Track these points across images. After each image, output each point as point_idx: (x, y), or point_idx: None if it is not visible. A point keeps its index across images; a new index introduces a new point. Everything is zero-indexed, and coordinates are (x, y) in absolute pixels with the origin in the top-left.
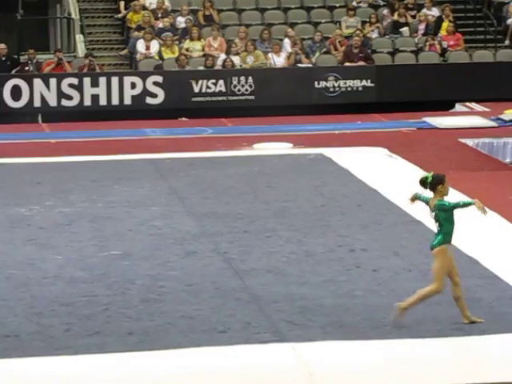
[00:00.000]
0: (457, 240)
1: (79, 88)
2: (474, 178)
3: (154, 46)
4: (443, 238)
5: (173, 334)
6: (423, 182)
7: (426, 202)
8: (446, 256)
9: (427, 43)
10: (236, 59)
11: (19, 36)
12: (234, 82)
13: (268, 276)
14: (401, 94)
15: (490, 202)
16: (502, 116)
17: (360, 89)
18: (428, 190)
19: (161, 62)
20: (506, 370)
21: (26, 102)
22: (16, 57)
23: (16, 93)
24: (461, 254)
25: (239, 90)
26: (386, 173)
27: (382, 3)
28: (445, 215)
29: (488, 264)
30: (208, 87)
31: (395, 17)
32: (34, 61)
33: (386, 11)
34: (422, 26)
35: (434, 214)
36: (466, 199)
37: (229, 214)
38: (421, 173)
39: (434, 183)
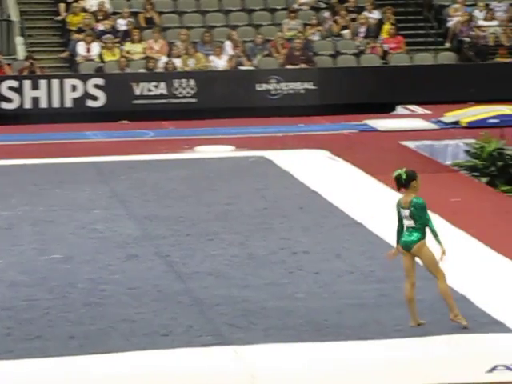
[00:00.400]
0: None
1: (19, 91)
2: None
3: (95, 48)
4: (421, 234)
5: (114, 338)
6: (398, 179)
7: (398, 206)
8: (428, 248)
9: (368, 46)
10: (177, 62)
11: None
12: (176, 85)
13: (210, 279)
14: (342, 97)
15: (431, 205)
16: (442, 118)
17: (302, 91)
18: (401, 186)
19: (102, 64)
20: (448, 371)
21: None
22: None
23: None
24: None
25: (181, 93)
26: (328, 175)
27: (323, 6)
28: (420, 212)
29: None
30: (149, 90)
31: (337, 19)
32: None
33: (327, 14)
34: (363, 29)
35: (407, 211)
36: (439, 237)
37: (171, 217)
38: (362, 175)
39: (408, 179)
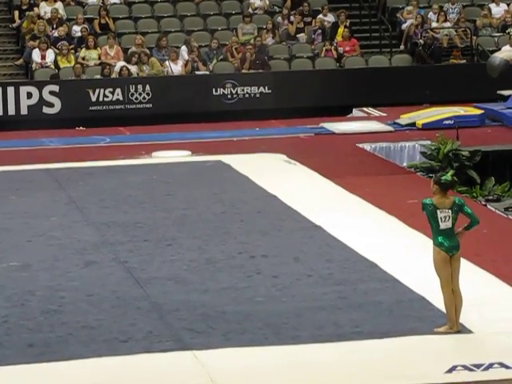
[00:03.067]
0: (356, 243)
1: None
2: (372, 182)
3: (50, 55)
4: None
5: (74, 345)
6: (446, 184)
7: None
8: None
9: (323, 49)
10: (133, 68)
11: None
12: (132, 91)
13: (169, 284)
14: (298, 100)
15: (388, 206)
16: (398, 120)
17: (257, 95)
18: (448, 189)
19: (57, 71)
20: (406, 372)
21: None
22: None
23: None
24: (360, 257)
25: (137, 99)
26: (285, 179)
27: (277, 10)
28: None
29: (387, 267)
30: (105, 96)
31: (292, 23)
32: None
33: (281, 18)
34: (318, 32)
35: (450, 212)
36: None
37: (128, 222)
38: (319, 178)
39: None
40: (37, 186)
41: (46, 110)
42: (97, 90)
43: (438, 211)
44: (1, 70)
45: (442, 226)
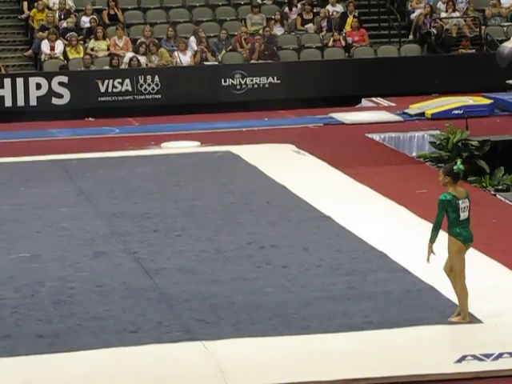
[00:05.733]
0: (365, 234)
1: None
2: (381, 172)
3: (59, 46)
4: None
5: (84, 336)
6: (459, 173)
7: (450, 199)
8: None
9: (332, 39)
10: (142, 58)
11: None
12: (141, 81)
13: (178, 275)
14: (307, 91)
15: (397, 196)
16: (407, 110)
17: (266, 86)
18: (459, 179)
19: (66, 62)
20: (416, 362)
21: None
22: None
23: None
24: (369, 247)
25: (146, 89)
26: (294, 169)
27: (286, 0)
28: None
29: (396, 258)
30: (114, 87)
31: (300, 14)
32: None
33: (290, 8)
34: (326, 23)
35: (467, 201)
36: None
37: (138, 213)
38: (328, 168)
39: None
40: (46, 177)
41: (55, 101)
42: (106, 81)
43: (460, 201)
44: (10, 61)
45: (462, 216)
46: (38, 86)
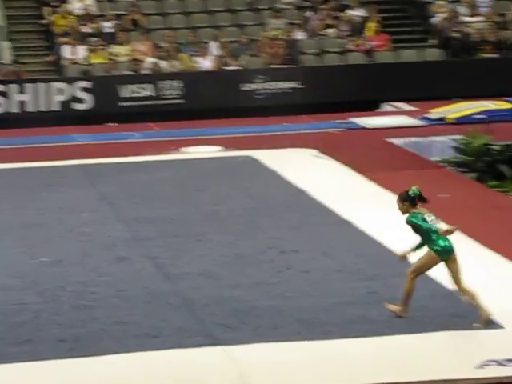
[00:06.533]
0: (386, 239)
1: (6, 95)
2: (401, 177)
3: (81, 51)
4: None
5: (105, 340)
6: (415, 196)
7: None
8: None
9: (353, 44)
10: (163, 63)
11: None
12: (162, 86)
13: (199, 279)
14: (328, 95)
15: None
16: (428, 115)
17: (287, 90)
18: (416, 202)
19: (88, 67)
20: (438, 367)
21: None
22: None
23: None
24: (390, 252)
25: (167, 94)
26: (315, 173)
27: (307, 5)
28: None
29: None
30: (136, 92)
31: (321, 18)
32: None
33: (311, 12)
34: (348, 27)
35: (432, 215)
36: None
37: (159, 218)
38: (349, 173)
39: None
40: (68, 181)
41: (76, 106)
42: (127, 86)
43: (426, 216)
44: (32, 66)
45: (438, 227)
46: (60, 91)
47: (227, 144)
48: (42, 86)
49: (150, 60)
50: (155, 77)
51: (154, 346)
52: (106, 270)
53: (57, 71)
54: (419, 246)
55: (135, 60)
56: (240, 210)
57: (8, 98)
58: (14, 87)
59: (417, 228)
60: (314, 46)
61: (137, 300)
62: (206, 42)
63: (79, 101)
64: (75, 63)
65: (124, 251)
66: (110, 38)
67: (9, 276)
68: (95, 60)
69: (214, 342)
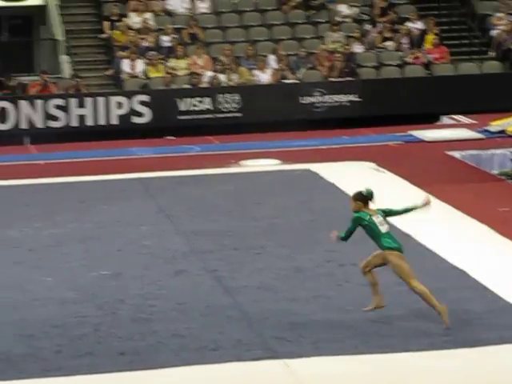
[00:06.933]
0: (446, 252)
1: (65, 109)
2: (461, 190)
3: (140, 65)
4: None
5: (164, 353)
6: (368, 196)
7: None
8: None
9: (412, 57)
10: (221, 77)
11: (4, 58)
12: (220, 100)
13: (258, 293)
14: (387, 108)
15: (478, 214)
16: (488, 127)
17: (346, 103)
18: (368, 202)
19: (146, 81)
20: (499, 381)
21: (12, 124)
22: (1, 79)
23: (2, 115)
24: (450, 265)
25: (225, 108)
26: (374, 187)
27: (365, 18)
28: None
29: (478, 276)
30: (194, 105)
31: (380, 31)
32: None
33: (369, 26)
34: (406, 40)
35: (380, 217)
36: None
37: (217, 231)
38: (408, 186)
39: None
40: (127, 194)
41: (135, 119)
42: (186, 100)
43: (374, 218)
44: (91, 80)
45: (383, 229)
46: (119, 105)
47: (285, 157)
48: (101, 99)
49: (208, 74)
50: (213, 90)
51: (212, 359)
52: (164, 283)
53: (116, 85)
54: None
55: (194, 74)
56: (298, 223)
57: (67, 111)
58: (73, 101)
59: (365, 227)
60: (373, 58)
61: (195, 313)
62: (265, 56)
63: (138, 114)
64: (134, 77)
65: (183, 264)
66: (168, 52)
67: (68, 289)
68: (154, 74)
69: (273, 355)
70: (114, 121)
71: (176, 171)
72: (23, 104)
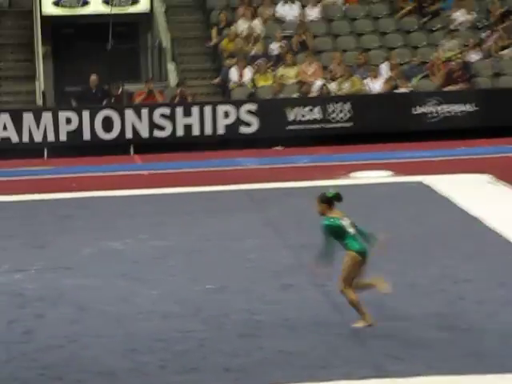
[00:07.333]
0: None
1: (171, 118)
2: None
3: (247, 73)
4: None
5: (271, 371)
6: (333, 198)
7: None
8: None
9: None
10: (332, 86)
11: (110, 66)
12: (330, 109)
13: (368, 309)
14: (505, 119)
15: None
16: None
17: (462, 113)
18: (333, 204)
19: (254, 89)
20: None
21: (117, 133)
22: (107, 87)
23: (107, 124)
24: None
25: (336, 117)
26: (490, 201)
27: (481, 25)
28: None
29: None
30: (303, 115)
31: (498, 38)
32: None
33: (486, 34)
34: None
35: (347, 219)
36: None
37: None
38: None
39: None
40: (233, 206)
41: (243, 129)
42: (295, 109)
43: (342, 221)
44: (198, 89)
45: (352, 231)
46: (226, 115)
47: (397, 169)
48: (208, 108)
49: (318, 82)
50: (323, 99)
51: (321, 377)
52: (271, 297)
53: (223, 93)
54: (324, 258)
55: (303, 82)
56: (410, 238)
57: (174, 121)
58: (179, 110)
59: (333, 231)
60: (489, 67)
61: (303, 329)
62: (376, 65)
63: (245, 124)
64: (241, 85)
65: (290, 278)
66: (277, 60)
67: (173, 303)
68: (262, 82)
69: (384, 373)
70: (221, 130)
71: (284, 182)
72: (128, 113)
